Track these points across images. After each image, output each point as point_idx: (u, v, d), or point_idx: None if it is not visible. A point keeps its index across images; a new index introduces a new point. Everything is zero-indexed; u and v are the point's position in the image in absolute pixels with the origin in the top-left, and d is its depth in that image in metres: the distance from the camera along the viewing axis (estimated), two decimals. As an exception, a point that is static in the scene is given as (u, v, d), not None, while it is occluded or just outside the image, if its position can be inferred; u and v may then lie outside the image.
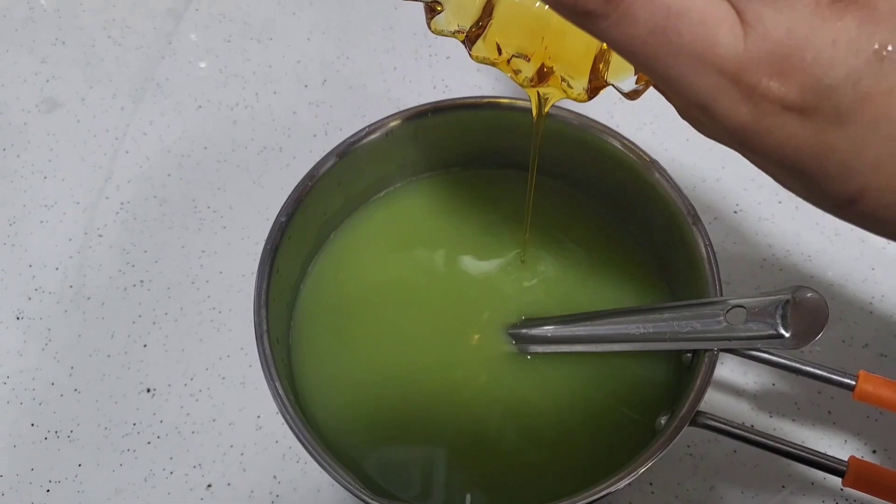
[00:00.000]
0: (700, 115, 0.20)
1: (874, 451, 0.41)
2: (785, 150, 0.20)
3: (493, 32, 0.27)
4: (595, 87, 0.28)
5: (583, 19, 0.19)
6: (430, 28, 0.28)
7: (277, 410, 0.41)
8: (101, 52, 0.55)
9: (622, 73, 0.27)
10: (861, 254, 0.46)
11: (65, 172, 0.50)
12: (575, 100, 0.29)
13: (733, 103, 0.19)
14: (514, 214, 0.41)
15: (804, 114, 0.19)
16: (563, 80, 0.28)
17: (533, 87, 0.29)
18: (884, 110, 0.19)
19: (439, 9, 0.28)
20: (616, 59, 0.28)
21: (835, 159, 0.20)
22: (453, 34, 0.28)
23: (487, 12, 0.27)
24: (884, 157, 0.19)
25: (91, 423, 0.42)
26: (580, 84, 0.28)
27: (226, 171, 0.49)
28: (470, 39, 0.28)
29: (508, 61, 0.28)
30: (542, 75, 0.29)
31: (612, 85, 0.28)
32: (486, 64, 0.29)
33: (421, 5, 0.28)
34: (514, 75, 0.29)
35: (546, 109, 0.32)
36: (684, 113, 0.22)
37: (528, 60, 0.28)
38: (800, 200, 0.49)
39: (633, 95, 0.28)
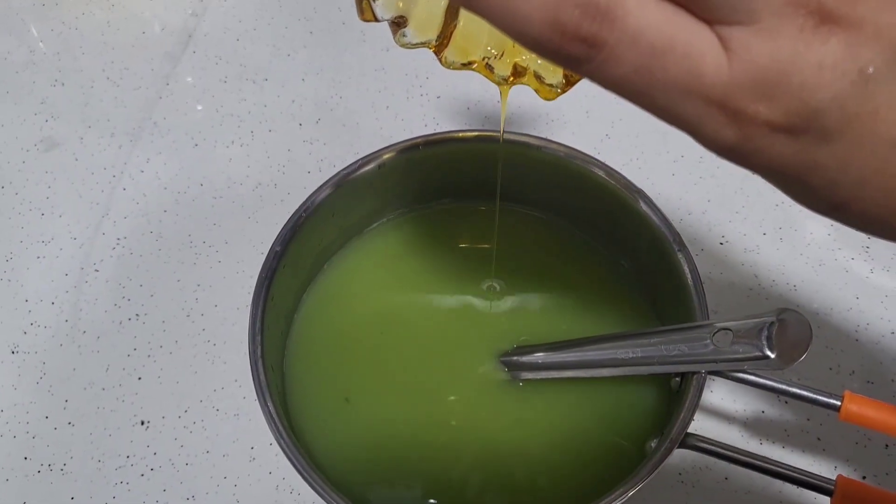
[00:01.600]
0: (689, 134, 0.21)
1: (864, 477, 0.41)
2: (773, 166, 0.20)
3: (460, 38, 0.28)
4: (569, 79, 0.28)
5: (566, 63, 0.20)
6: (396, 43, 0.28)
7: (271, 441, 0.41)
8: (100, 93, 0.56)
9: None
10: (846, 283, 0.47)
11: (62, 209, 0.50)
12: (548, 97, 0.29)
13: (720, 126, 0.20)
14: (504, 246, 0.42)
15: (791, 134, 0.20)
16: (536, 76, 0.29)
17: (508, 84, 0.29)
18: (869, 128, 0.19)
19: (404, 24, 0.28)
20: None
21: (820, 175, 0.20)
22: (422, 45, 0.28)
23: (451, 17, 0.27)
24: (867, 172, 0.20)
25: (84, 456, 0.42)
26: (555, 77, 0.28)
27: (221, 206, 0.50)
28: (438, 49, 0.28)
29: (484, 61, 0.28)
30: (517, 73, 0.29)
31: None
32: (459, 69, 0.29)
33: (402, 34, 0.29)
34: (488, 73, 0.29)
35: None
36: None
37: (500, 58, 0.28)
38: (785, 232, 0.51)
39: None
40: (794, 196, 0.22)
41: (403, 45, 0.29)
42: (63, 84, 0.56)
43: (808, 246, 0.49)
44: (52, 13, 0.60)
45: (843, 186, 0.20)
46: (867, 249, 0.48)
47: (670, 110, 0.20)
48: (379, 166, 0.39)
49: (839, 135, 0.19)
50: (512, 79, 0.29)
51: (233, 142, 0.53)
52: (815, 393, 0.32)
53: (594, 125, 0.54)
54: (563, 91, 0.29)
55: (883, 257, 0.48)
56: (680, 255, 0.36)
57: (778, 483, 0.40)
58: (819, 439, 0.42)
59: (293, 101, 0.55)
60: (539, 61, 0.29)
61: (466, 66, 0.29)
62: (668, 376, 0.35)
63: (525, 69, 0.29)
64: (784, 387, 0.32)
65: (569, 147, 0.39)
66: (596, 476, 0.35)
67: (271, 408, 0.32)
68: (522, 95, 0.55)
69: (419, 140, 0.39)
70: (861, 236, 0.49)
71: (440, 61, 0.29)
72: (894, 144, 0.20)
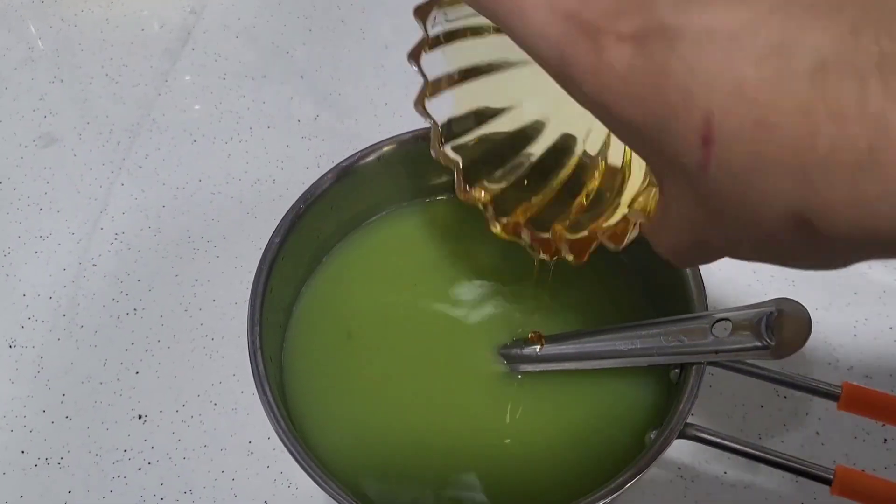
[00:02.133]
0: (559, 72, 0.21)
1: (862, 471, 0.41)
2: (630, 89, 0.19)
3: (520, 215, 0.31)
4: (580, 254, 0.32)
5: None
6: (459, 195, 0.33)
7: (269, 436, 0.41)
8: (99, 90, 0.56)
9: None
10: (844, 279, 0.47)
11: (60, 204, 0.50)
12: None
13: (578, 46, 0.20)
14: (503, 238, 0.42)
15: (637, 42, 0.19)
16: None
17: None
18: (710, 21, 0.18)
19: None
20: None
21: (672, 84, 0.18)
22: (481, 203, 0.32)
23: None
24: (714, 68, 0.18)
25: (82, 450, 0.41)
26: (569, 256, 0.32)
27: (219, 202, 0.50)
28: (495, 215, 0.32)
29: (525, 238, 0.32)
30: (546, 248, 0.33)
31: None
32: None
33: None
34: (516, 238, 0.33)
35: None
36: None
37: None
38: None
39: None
40: (663, 148, 0.19)
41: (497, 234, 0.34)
42: (62, 81, 0.56)
43: (806, 242, 0.49)
44: (50, 10, 0.60)
45: (696, 95, 0.18)
46: (865, 246, 0.48)
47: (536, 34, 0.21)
48: (378, 158, 0.39)
49: (681, 32, 0.18)
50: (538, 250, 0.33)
51: (231, 138, 0.53)
52: (814, 383, 0.32)
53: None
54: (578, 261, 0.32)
55: (881, 253, 0.48)
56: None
57: (777, 477, 0.40)
58: (818, 433, 0.42)
59: (292, 99, 0.55)
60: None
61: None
62: (667, 367, 0.35)
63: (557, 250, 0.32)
64: (783, 377, 0.32)
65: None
66: (596, 468, 0.35)
67: (270, 398, 0.32)
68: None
69: (420, 132, 0.39)
70: (859, 232, 0.49)
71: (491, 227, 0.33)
72: (733, 36, 0.18)
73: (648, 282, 0.40)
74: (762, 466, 0.36)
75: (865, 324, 0.45)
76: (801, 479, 0.37)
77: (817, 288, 0.47)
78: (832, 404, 0.32)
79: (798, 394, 0.42)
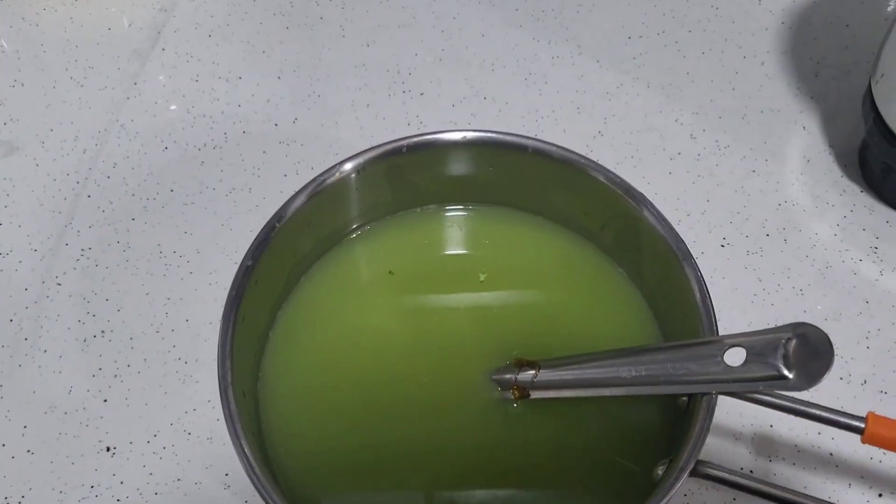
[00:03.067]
0: None
1: (880, 495, 0.38)
2: None
3: None
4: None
5: None
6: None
7: (247, 468, 0.38)
8: (63, 94, 0.53)
9: None
10: (854, 287, 0.45)
11: (21, 218, 0.47)
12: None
13: None
14: (494, 253, 0.39)
15: None
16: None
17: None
18: None
19: None
20: None
21: None
22: None
23: None
24: None
25: (45, 487, 0.39)
26: None
27: (193, 213, 0.47)
28: None
29: None
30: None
31: None
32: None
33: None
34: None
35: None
36: None
37: None
38: (789, 233, 0.48)
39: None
40: None
41: None
42: (23, 84, 0.53)
43: (813, 247, 0.46)
44: (10, 8, 0.56)
45: None
46: (875, 250, 0.46)
47: None
48: (358, 171, 0.36)
49: None
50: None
51: (205, 144, 0.50)
52: (835, 415, 0.29)
53: (586, 122, 0.51)
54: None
55: (892, 259, 0.45)
56: (686, 268, 0.33)
57: None
58: (832, 454, 0.39)
59: (268, 101, 0.52)
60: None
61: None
62: (675, 395, 0.33)
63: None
64: (802, 408, 0.30)
65: (564, 148, 0.36)
66: (601, 502, 0.33)
67: (243, 443, 0.29)
68: (510, 91, 0.52)
69: (403, 143, 0.36)
70: (869, 236, 0.46)
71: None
72: None
73: (652, 299, 0.37)
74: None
75: (878, 334, 0.43)
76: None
77: (826, 297, 0.44)
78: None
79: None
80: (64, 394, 0.41)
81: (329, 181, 0.35)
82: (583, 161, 0.36)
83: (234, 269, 0.34)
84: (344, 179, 0.36)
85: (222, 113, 0.52)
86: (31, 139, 0.50)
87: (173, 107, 0.52)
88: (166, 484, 0.39)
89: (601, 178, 0.36)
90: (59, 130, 0.51)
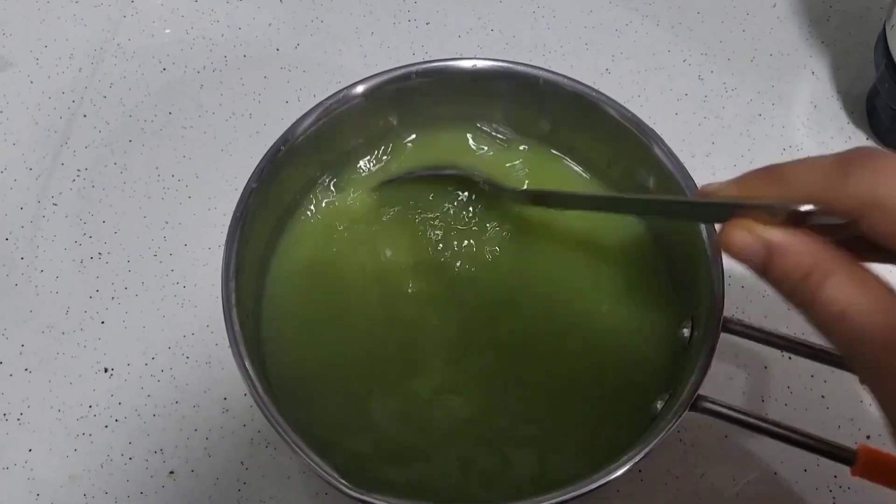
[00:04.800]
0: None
1: (868, 437, 0.39)
2: None
3: None
4: None
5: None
6: None
7: (244, 392, 0.38)
8: (57, 9, 0.51)
9: None
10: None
11: (16, 136, 0.46)
12: None
13: None
14: (503, 177, 0.39)
15: None
16: None
17: None
18: None
19: None
20: None
21: None
22: None
23: None
24: None
25: (43, 406, 0.39)
26: None
27: (192, 137, 0.46)
28: None
29: None
30: None
31: None
32: None
33: None
34: None
35: None
36: None
37: None
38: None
39: None
40: None
41: None
42: (16, -2, 0.51)
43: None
44: (2, -81, 0.54)
45: None
46: (877, 198, 0.46)
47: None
48: (366, 96, 0.35)
49: None
50: None
51: (204, 67, 0.49)
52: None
53: (593, 58, 0.50)
54: None
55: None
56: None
57: (779, 442, 0.38)
58: (823, 397, 0.40)
59: (270, 25, 0.51)
60: None
61: None
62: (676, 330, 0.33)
63: None
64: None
65: (576, 81, 0.36)
66: (600, 436, 0.33)
67: (247, 363, 0.29)
68: (518, 24, 0.51)
69: (412, 69, 0.35)
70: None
71: None
72: None
73: (658, 234, 0.37)
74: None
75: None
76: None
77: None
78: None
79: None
80: (61, 314, 0.41)
81: (337, 104, 0.35)
82: (595, 95, 0.36)
83: (234, 194, 0.34)
84: (352, 103, 0.35)
85: (222, 35, 0.50)
86: (24, 55, 0.49)
87: (171, 28, 0.51)
88: (164, 406, 0.39)
89: (613, 113, 0.35)
90: (54, 47, 0.50)
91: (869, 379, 0.23)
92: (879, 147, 0.47)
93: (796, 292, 0.24)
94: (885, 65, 0.44)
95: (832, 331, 0.23)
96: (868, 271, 0.23)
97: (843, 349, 0.23)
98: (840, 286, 0.23)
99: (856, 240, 0.23)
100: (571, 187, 0.38)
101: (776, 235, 0.24)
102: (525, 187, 0.38)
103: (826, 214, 0.23)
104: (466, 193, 0.38)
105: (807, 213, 0.23)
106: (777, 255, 0.24)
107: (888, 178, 0.22)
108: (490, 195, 0.37)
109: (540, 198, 0.35)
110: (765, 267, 0.24)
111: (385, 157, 0.38)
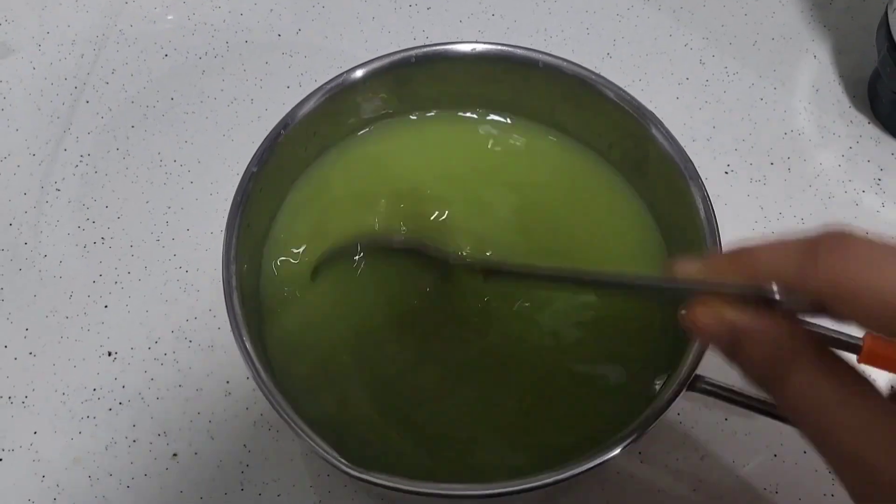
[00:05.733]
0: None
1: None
2: None
3: None
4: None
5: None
6: None
7: (247, 376, 0.38)
8: (59, -4, 0.51)
9: None
10: (855, 217, 0.45)
11: (19, 122, 0.46)
12: None
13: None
14: (500, 158, 0.39)
15: None
16: None
17: None
18: None
19: None
20: None
21: None
22: None
23: None
24: None
25: (47, 389, 0.39)
26: None
27: (193, 123, 0.47)
28: None
29: None
30: None
31: None
32: None
33: None
34: None
35: None
36: None
37: None
38: (793, 162, 0.48)
39: None
40: None
41: None
42: (18, -16, 0.51)
43: (817, 177, 0.46)
44: None
45: None
46: (879, 182, 0.46)
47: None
48: (365, 80, 0.36)
49: None
50: None
51: (206, 53, 0.49)
52: (833, 333, 0.30)
53: (594, 43, 0.50)
54: None
55: (895, 191, 0.45)
56: (693, 187, 0.33)
57: (779, 423, 0.38)
58: (823, 379, 0.40)
59: (271, 10, 0.51)
60: None
61: None
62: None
63: None
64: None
65: (575, 64, 0.36)
66: (596, 415, 0.33)
67: (248, 346, 0.29)
68: (519, 9, 0.51)
69: (412, 53, 0.35)
70: (873, 168, 0.46)
71: None
72: None
73: (658, 215, 0.37)
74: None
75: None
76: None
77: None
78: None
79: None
80: (65, 298, 0.41)
81: (337, 89, 0.35)
82: (594, 77, 0.36)
83: (236, 179, 0.34)
84: (351, 88, 0.35)
85: (224, 21, 0.51)
86: (26, 41, 0.49)
87: (173, 14, 0.51)
88: (167, 389, 0.39)
89: (612, 96, 0.35)
90: (56, 33, 0.50)
91: (837, 469, 0.22)
92: (881, 132, 0.47)
93: (764, 380, 0.23)
94: (886, 48, 0.44)
95: (801, 422, 0.23)
96: (837, 358, 0.23)
97: (812, 440, 0.23)
98: (809, 376, 0.22)
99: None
100: (571, 171, 0.38)
101: (742, 319, 0.23)
102: (475, 260, 0.36)
103: (793, 300, 0.23)
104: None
105: (773, 299, 0.23)
106: (742, 339, 0.23)
107: (856, 264, 0.21)
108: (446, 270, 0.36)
109: (493, 272, 0.34)
110: (732, 350, 0.24)
111: (381, 132, 0.38)
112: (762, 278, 0.23)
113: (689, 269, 0.25)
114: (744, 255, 0.24)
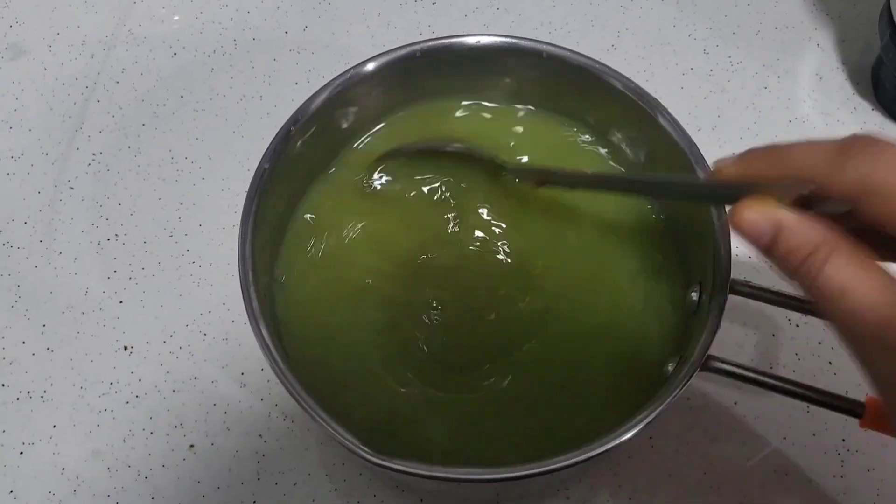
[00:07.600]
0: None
1: (876, 402, 0.40)
2: None
3: None
4: None
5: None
6: None
7: (262, 367, 0.39)
8: (68, -3, 0.52)
9: None
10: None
11: (32, 122, 0.47)
12: None
13: None
14: (507, 145, 0.39)
15: None
16: None
17: None
18: None
19: None
20: None
21: None
22: None
23: None
24: None
25: (65, 383, 0.40)
26: None
27: (203, 120, 0.47)
28: None
29: None
30: None
31: None
32: None
33: None
34: None
35: None
36: None
37: None
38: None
39: None
40: None
41: None
42: (27, -13, 0.52)
43: (822, 164, 0.46)
44: None
45: None
46: (883, 168, 0.46)
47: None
48: (373, 75, 0.36)
49: None
50: None
51: (214, 51, 0.50)
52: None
53: (599, 35, 0.51)
54: None
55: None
56: (699, 172, 0.33)
57: (788, 406, 0.39)
58: (830, 363, 0.40)
59: (278, 8, 0.51)
60: None
61: None
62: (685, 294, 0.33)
63: None
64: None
65: (579, 53, 0.36)
66: (612, 399, 0.34)
67: (265, 334, 0.30)
68: (524, 2, 0.52)
69: (417, 47, 0.36)
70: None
71: None
72: None
73: (664, 203, 0.37)
74: (772, 395, 0.35)
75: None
76: (812, 407, 0.36)
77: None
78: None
79: (811, 324, 0.41)
80: (80, 294, 0.42)
81: (345, 84, 0.35)
82: (598, 66, 0.36)
83: (247, 174, 0.34)
84: (360, 82, 0.36)
85: (231, 20, 0.51)
86: (37, 42, 0.50)
87: (180, 14, 0.52)
88: (183, 382, 0.40)
89: (617, 85, 0.36)
90: (66, 34, 0.50)
91: (863, 353, 0.24)
92: (885, 119, 0.48)
93: (800, 269, 0.24)
94: (889, 35, 0.44)
95: (831, 306, 0.24)
96: (869, 254, 0.24)
97: (840, 324, 0.24)
98: (842, 264, 0.24)
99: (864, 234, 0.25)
100: (576, 159, 0.39)
101: (786, 215, 0.25)
102: (528, 165, 0.38)
103: (825, 198, 0.24)
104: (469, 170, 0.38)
105: (810, 195, 0.24)
106: (785, 233, 0.25)
107: (885, 165, 0.23)
108: (493, 173, 0.37)
109: (545, 178, 0.36)
110: (771, 245, 0.25)
111: (389, 133, 0.39)
112: (794, 175, 0.25)
113: (729, 167, 0.27)
114: (776, 152, 0.26)
